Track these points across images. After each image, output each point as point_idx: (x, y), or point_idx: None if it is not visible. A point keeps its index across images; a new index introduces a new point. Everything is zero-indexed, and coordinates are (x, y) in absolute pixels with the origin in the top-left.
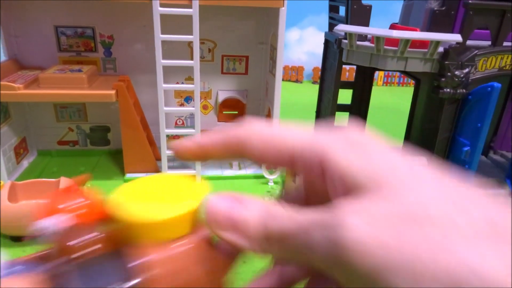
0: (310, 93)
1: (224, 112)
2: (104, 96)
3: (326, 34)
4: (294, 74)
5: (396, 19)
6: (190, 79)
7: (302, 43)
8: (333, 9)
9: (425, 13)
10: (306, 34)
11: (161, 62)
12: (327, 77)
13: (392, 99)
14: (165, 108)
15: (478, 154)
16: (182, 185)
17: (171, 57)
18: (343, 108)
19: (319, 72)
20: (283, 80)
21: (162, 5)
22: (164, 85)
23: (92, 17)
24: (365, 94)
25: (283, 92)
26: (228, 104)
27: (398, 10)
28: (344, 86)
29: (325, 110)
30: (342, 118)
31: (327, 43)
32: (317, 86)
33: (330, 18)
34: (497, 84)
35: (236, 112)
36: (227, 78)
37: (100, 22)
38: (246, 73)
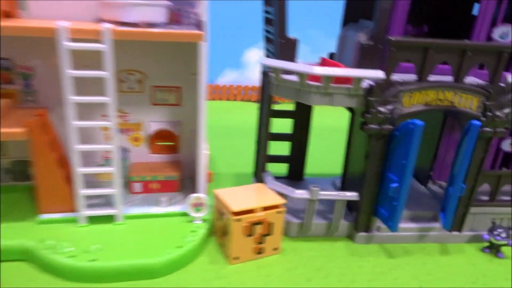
0: None
1: (156, 144)
2: (14, 135)
3: (262, 65)
4: (254, 94)
5: None
6: (120, 111)
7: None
8: (269, 40)
9: (356, 46)
10: None
11: (71, 98)
12: (264, 107)
13: (332, 119)
14: (78, 146)
15: (405, 192)
16: None
17: (93, 87)
18: (283, 137)
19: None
20: (243, 100)
21: (73, 40)
22: (75, 123)
23: (10, 49)
24: (305, 122)
25: (242, 114)
26: (160, 135)
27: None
28: (283, 115)
29: (262, 139)
30: (281, 147)
31: (263, 74)
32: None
33: (267, 49)
34: (419, 122)
35: (171, 143)
36: (158, 109)
37: (18, 53)
38: (179, 104)
